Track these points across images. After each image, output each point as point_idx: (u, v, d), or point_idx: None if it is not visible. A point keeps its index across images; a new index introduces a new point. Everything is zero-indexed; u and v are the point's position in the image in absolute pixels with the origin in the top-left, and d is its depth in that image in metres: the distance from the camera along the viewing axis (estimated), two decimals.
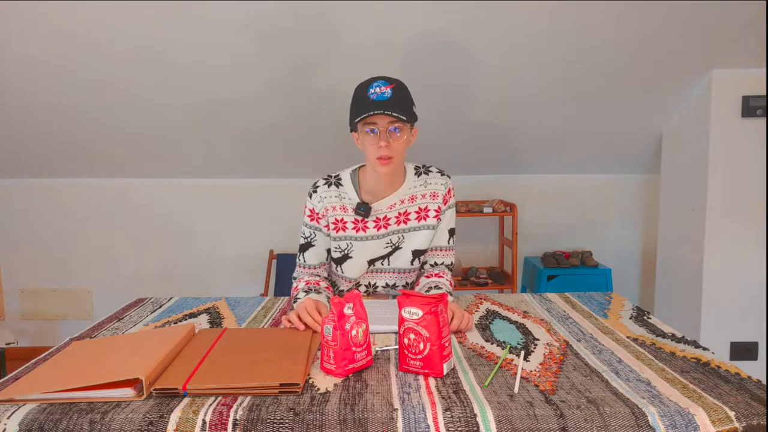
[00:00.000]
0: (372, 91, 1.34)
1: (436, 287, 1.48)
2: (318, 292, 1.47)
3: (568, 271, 2.99)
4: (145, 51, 2.20)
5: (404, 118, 1.34)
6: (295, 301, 1.47)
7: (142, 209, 3.19)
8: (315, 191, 1.52)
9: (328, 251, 1.57)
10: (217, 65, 2.29)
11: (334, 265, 1.58)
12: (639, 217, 3.30)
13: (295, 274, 1.59)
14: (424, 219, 1.52)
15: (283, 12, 2.04)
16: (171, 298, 1.69)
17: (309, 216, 1.53)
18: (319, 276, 1.57)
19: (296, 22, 2.09)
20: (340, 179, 1.52)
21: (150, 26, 2.07)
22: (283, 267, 3.08)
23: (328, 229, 1.52)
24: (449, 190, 1.55)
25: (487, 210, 2.98)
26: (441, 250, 1.57)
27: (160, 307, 1.60)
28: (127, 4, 1.97)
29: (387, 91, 1.34)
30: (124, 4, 1.96)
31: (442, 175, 1.55)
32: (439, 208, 1.53)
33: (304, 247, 1.55)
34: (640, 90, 2.55)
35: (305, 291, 1.47)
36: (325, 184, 1.52)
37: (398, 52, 2.25)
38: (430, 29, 2.15)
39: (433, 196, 1.52)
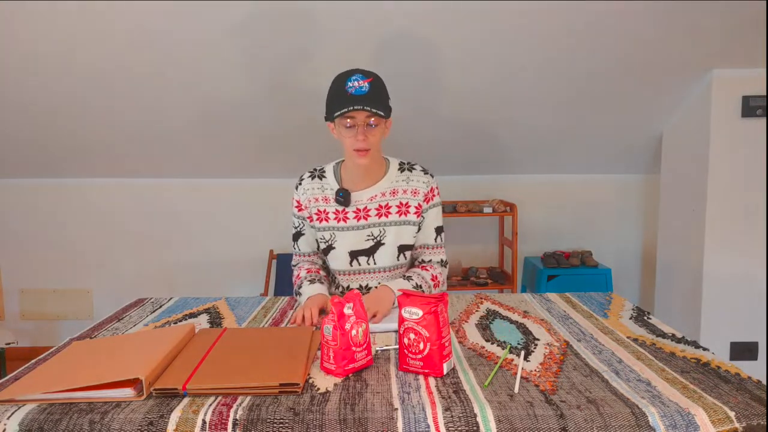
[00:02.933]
0: (350, 84, 1.37)
1: (407, 278, 1.51)
2: (321, 282, 1.53)
3: (568, 271, 2.99)
4: (144, 52, 2.19)
5: (382, 114, 1.38)
6: (298, 294, 1.52)
7: (142, 209, 3.19)
8: (300, 183, 1.58)
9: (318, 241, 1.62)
10: (216, 66, 2.29)
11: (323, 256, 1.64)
12: (639, 217, 3.30)
13: (293, 262, 1.65)
14: (405, 214, 1.54)
15: (282, 11, 2.04)
16: (171, 298, 1.69)
17: (297, 207, 1.60)
18: (317, 264, 1.64)
19: (295, 22, 2.09)
20: (323, 171, 1.58)
21: (148, 27, 2.07)
22: (283, 267, 3.07)
23: (311, 220, 1.57)
24: (432, 189, 1.56)
25: (487, 210, 2.98)
26: (429, 248, 1.60)
27: (160, 307, 1.60)
28: (127, 5, 1.97)
29: (365, 85, 1.38)
30: (124, 4, 1.96)
31: (426, 173, 1.57)
32: (420, 205, 1.55)
33: (296, 237, 1.62)
34: (640, 90, 2.54)
35: (309, 280, 1.52)
36: (309, 176, 1.58)
37: (398, 53, 2.25)
38: (428, 29, 2.14)
39: (414, 193, 1.54)
